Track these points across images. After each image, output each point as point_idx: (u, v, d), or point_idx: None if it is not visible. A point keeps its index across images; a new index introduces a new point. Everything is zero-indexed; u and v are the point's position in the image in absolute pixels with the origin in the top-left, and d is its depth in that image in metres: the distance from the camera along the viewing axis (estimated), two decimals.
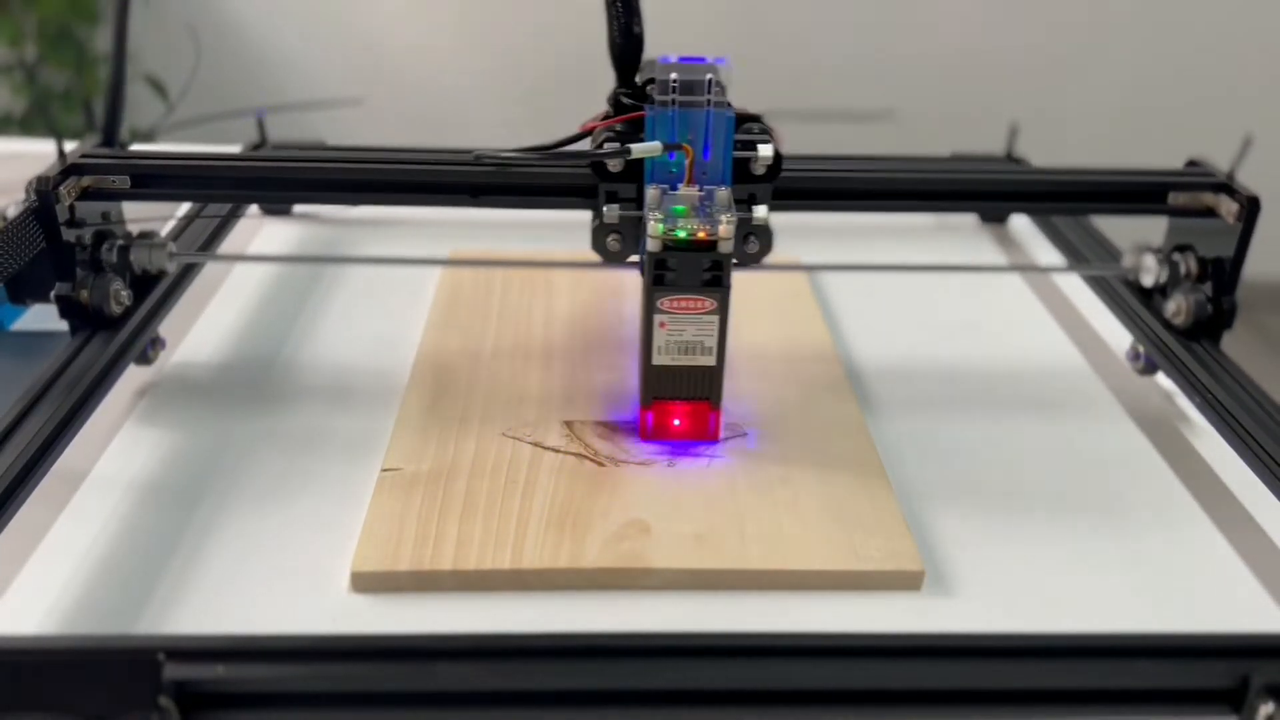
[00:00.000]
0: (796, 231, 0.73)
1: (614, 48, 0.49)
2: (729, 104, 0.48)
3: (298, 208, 0.77)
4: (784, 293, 0.66)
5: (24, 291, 0.52)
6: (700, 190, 0.47)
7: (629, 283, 0.66)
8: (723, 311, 0.47)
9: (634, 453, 0.50)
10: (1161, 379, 0.59)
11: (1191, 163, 0.59)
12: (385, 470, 0.48)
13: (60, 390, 0.47)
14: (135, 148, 0.58)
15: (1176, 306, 0.56)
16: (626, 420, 0.52)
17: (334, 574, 0.44)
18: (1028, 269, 0.74)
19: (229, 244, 0.66)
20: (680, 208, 0.47)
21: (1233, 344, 0.55)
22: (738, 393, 0.55)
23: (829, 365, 0.59)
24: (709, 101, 0.47)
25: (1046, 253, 0.74)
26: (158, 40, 1.61)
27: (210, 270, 0.66)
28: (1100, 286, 0.63)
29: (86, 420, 0.48)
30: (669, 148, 0.47)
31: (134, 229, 0.56)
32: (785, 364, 0.58)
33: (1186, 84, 1.87)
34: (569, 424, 0.52)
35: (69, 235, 0.51)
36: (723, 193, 0.48)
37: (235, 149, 0.74)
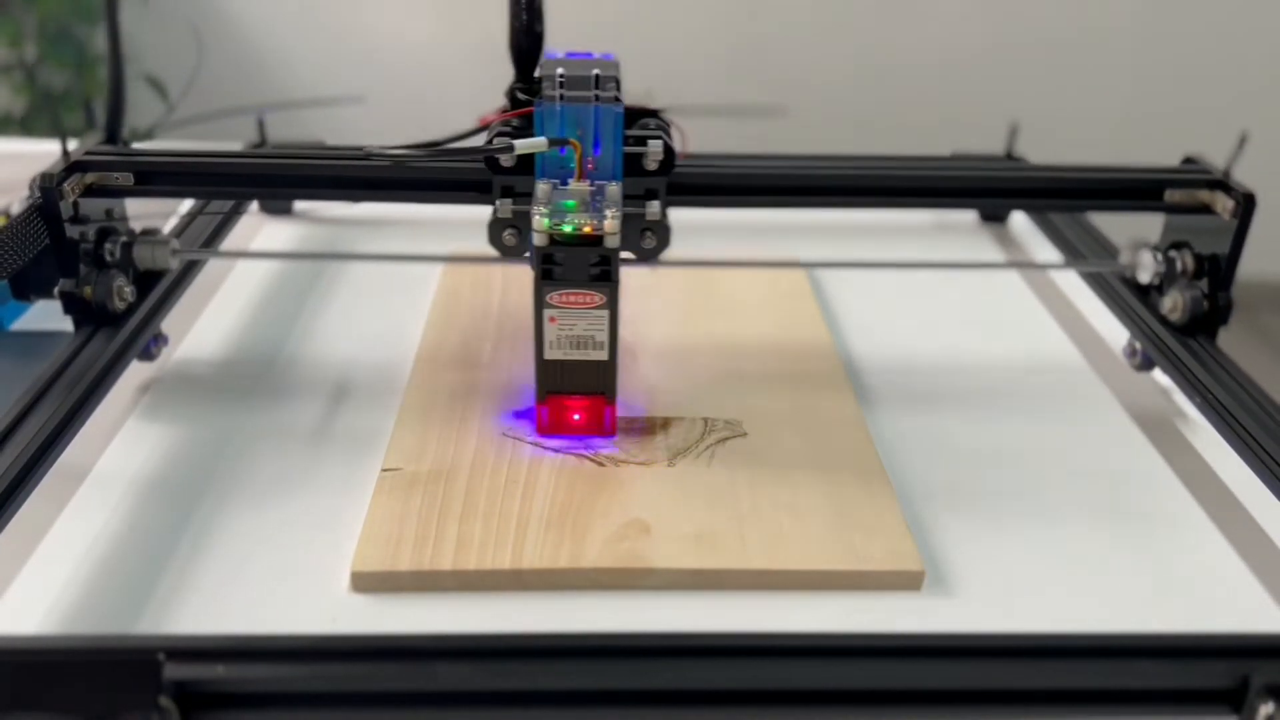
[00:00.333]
0: (796, 230, 0.73)
1: (515, 45, 0.49)
2: (618, 99, 0.48)
3: (298, 205, 0.78)
4: (783, 291, 0.66)
5: (28, 288, 0.52)
6: (591, 185, 0.48)
7: (629, 283, 0.66)
8: (612, 306, 0.47)
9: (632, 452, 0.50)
10: (1158, 375, 0.59)
11: (1188, 160, 0.59)
12: (385, 470, 0.48)
13: (63, 386, 0.48)
14: (138, 145, 0.58)
15: (1173, 303, 0.56)
16: (626, 419, 0.52)
17: (334, 574, 0.44)
18: (1025, 266, 0.74)
19: (230, 242, 0.66)
20: (570, 202, 0.47)
21: (1232, 344, 0.55)
22: (737, 391, 0.55)
23: (828, 363, 0.59)
24: (596, 97, 0.47)
25: (1045, 251, 0.74)
26: (158, 40, 1.62)
27: (212, 268, 0.67)
28: (1097, 283, 0.63)
29: (89, 417, 0.48)
30: (555, 143, 0.47)
31: (137, 226, 0.57)
32: (784, 362, 0.59)
33: (1184, 84, 1.87)
34: None
35: (73, 232, 0.51)
36: (613, 188, 0.48)
37: (236, 148, 0.74)
